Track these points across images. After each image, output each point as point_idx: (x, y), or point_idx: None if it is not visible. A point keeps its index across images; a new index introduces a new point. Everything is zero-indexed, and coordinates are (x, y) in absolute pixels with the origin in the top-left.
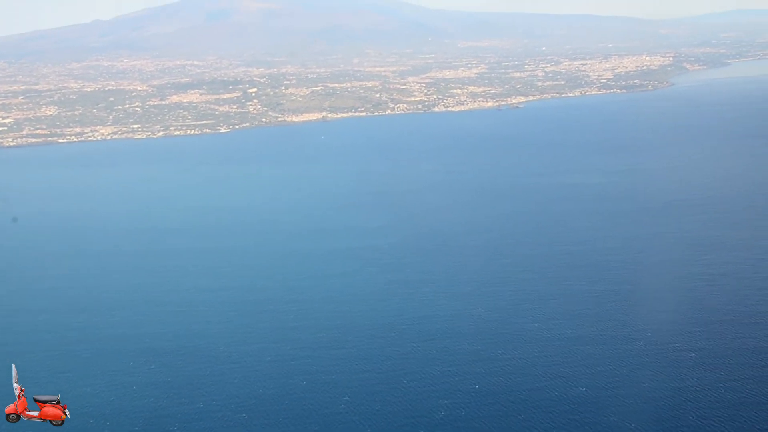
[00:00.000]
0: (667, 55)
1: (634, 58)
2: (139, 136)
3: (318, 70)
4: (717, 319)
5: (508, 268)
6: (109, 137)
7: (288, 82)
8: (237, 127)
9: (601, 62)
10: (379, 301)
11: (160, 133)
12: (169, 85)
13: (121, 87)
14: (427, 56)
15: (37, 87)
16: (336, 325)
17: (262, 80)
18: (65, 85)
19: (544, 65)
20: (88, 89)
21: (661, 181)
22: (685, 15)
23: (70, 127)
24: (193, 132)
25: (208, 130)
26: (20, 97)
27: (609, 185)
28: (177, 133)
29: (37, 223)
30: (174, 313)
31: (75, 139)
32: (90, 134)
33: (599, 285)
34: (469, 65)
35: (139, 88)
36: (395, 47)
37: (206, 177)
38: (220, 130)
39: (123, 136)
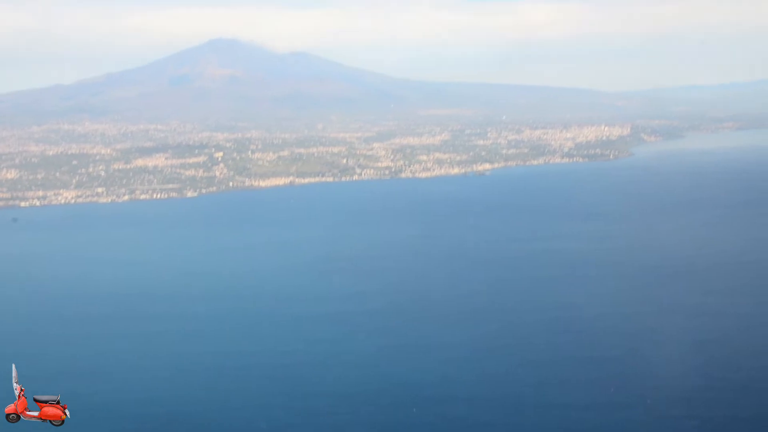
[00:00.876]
0: (625, 126)
1: (593, 128)
2: (104, 200)
3: (283, 136)
4: (713, 385)
5: (495, 334)
6: (72, 201)
7: (254, 146)
8: (204, 191)
9: (561, 132)
10: (370, 366)
11: (126, 197)
12: (133, 149)
13: (84, 150)
14: (391, 123)
15: None
16: (329, 392)
17: (228, 144)
18: (26, 148)
19: (506, 134)
20: (51, 153)
21: (636, 247)
22: (638, 89)
23: (32, 191)
24: (159, 196)
25: (174, 194)
26: None
27: (586, 252)
28: (143, 197)
29: (8, 288)
30: (159, 380)
31: (38, 203)
32: (53, 198)
33: (589, 351)
34: (433, 132)
35: (103, 152)
36: (359, 114)
37: (178, 241)
38: (186, 194)
39: (87, 199)
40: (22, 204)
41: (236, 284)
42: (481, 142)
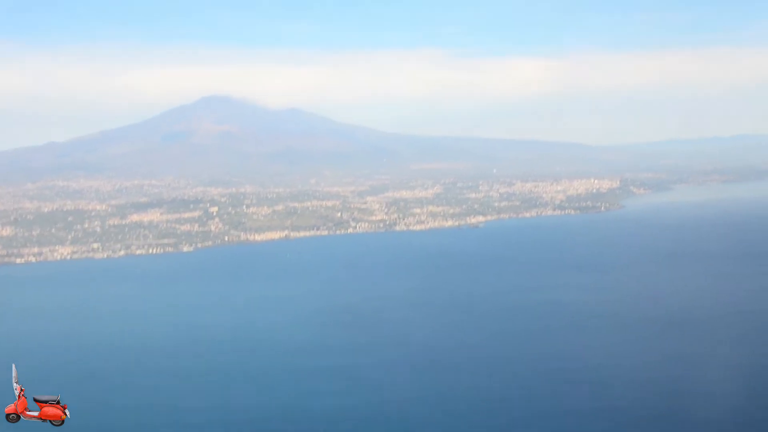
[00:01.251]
0: (614, 179)
1: (583, 181)
2: (100, 256)
3: (277, 190)
4: None
5: (501, 386)
6: (68, 257)
7: (249, 201)
8: (200, 245)
9: (552, 185)
10: (378, 422)
11: (122, 252)
12: (128, 205)
13: (80, 207)
14: (383, 177)
15: None
16: None
17: (222, 199)
18: (21, 205)
19: (498, 186)
20: (46, 209)
21: (632, 299)
22: (625, 143)
23: (28, 247)
24: (155, 251)
25: (170, 249)
26: None
27: (584, 303)
28: (139, 252)
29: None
30: None
31: (34, 259)
32: (49, 254)
33: (596, 402)
34: (425, 186)
35: (98, 208)
36: (352, 169)
37: (178, 295)
38: (182, 248)
39: (83, 255)
40: (18, 261)
41: (238, 337)
42: (473, 195)
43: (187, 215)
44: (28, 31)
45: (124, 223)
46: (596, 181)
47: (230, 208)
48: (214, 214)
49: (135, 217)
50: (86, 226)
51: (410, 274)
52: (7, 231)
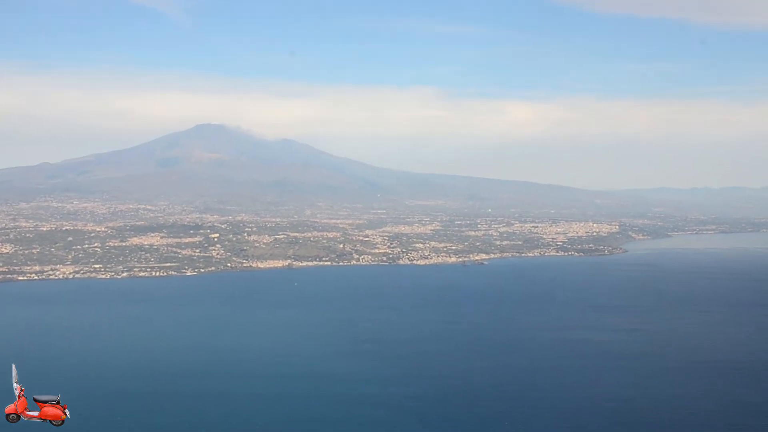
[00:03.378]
0: (613, 223)
1: (582, 224)
2: (103, 276)
3: (273, 219)
4: None
5: (543, 422)
6: (71, 276)
7: (249, 229)
8: (202, 270)
9: (551, 226)
10: None
11: (125, 274)
12: (127, 227)
13: (77, 227)
14: (379, 211)
15: None
16: None
17: (223, 226)
18: (17, 224)
19: (496, 226)
20: (44, 228)
21: (660, 340)
22: (615, 188)
23: (29, 265)
24: (158, 274)
25: (173, 273)
26: None
27: (616, 343)
28: (142, 274)
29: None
30: None
31: (36, 278)
32: (51, 272)
33: None
34: (423, 222)
35: (96, 229)
36: (346, 201)
37: (193, 318)
38: (186, 272)
39: (85, 275)
40: (20, 278)
41: (263, 363)
42: (472, 233)
43: (187, 240)
44: (22, 52)
45: (124, 245)
46: (595, 225)
47: (231, 235)
48: (215, 240)
49: (135, 240)
50: (86, 246)
51: (427, 306)
52: (6, 248)
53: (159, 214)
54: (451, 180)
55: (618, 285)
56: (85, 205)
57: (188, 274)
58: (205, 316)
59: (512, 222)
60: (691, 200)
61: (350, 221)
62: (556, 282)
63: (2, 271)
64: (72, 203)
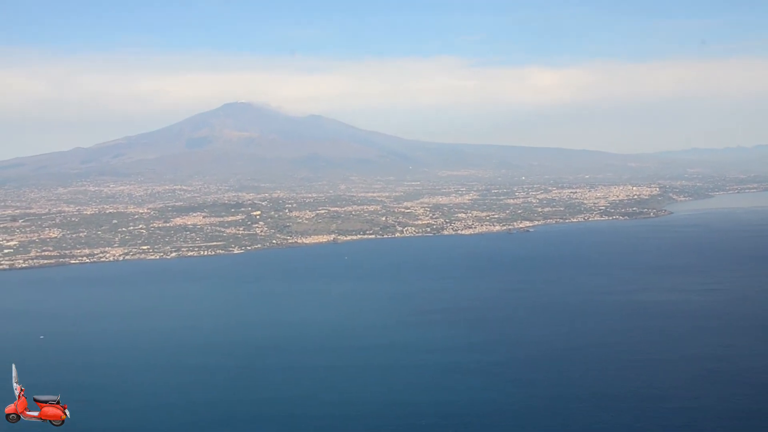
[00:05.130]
0: (653, 186)
1: (621, 188)
2: (152, 257)
3: (310, 195)
4: None
5: (656, 384)
6: (121, 258)
7: (289, 205)
8: (249, 248)
9: (590, 191)
10: (528, 417)
11: (173, 254)
12: (169, 208)
13: (119, 210)
14: (413, 183)
15: (31, 211)
16: None
17: (263, 203)
18: (60, 208)
19: (534, 193)
20: (89, 212)
21: (744, 300)
22: (647, 152)
23: (78, 249)
24: (206, 253)
25: (221, 251)
26: (20, 221)
27: (695, 303)
28: (190, 254)
29: (114, 341)
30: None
31: (87, 260)
32: (101, 255)
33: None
34: (460, 192)
35: (140, 211)
36: (378, 175)
37: (257, 294)
38: (233, 251)
39: (135, 257)
40: (72, 261)
41: (337, 335)
42: (511, 201)
43: (229, 219)
44: (51, 38)
45: (168, 225)
46: (635, 188)
47: (272, 212)
48: (258, 218)
49: (178, 221)
50: (131, 228)
51: (487, 275)
52: (54, 233)
53: (195, 194)
54: (481, 149)
55: (674, 246)
56: (122, 187)
57: (236, 252)
58: (269, 293)
59: (549, 188)
60: (725, 160)
61: (386, 194)
62: (609, 245)
63: (54, 255)
64: (108, 186)
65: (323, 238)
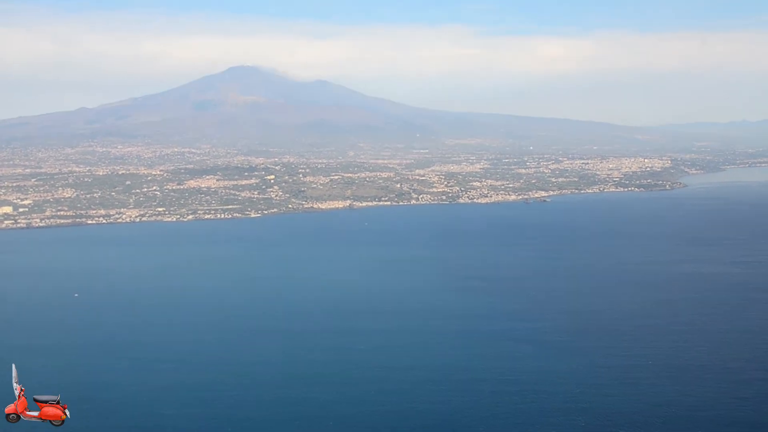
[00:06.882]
0: (665, 158)
1: (632, 160)
2: (169, 219)
3: (320, 161)
4: None
5: (700, 353)
6: (137, 219)
7: (303, 170)
8: (265, 212)
9: (602, 162)
10: (590, 385)
11: (190, 217)
12: (182, 170)
13: (131, 171)
14: (422, 151)
15: (42, 170)
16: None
17: (276, 168)
18: (70, 168)
19: (545, 163)
20: (100, 173)
21: None
22: (653, 124)
23: (94, 209)
24: (222, 216)
25: (238, 215)
26: (32, 180)
27: (738, 275)
28: (207, 216)
29: (143, 301)
30: (384, 392)
31: (104, 221)
32: (117, 216)
33: None
34: (470, 161)
35: (153, 173)
36: (387, 142)
37: (290, 257)
38: (249, 214)
39: (151, 218)
40: (89, 222)
41: (383, 299)
42: (523, 171)
43: (243, 182)
44: None
45: (182, 188)
46: (647, 161)
47: (287, 177)
48: (272, 182)
49: (192, 183)
50: (145, 190)
51: (516, 244)
52: (68, 192)
53: (205, 157)
54: (488, 118)
55: (699, 218)
56: (130, 149)
57: (252, 216)
58: (301, 257)
59: (560, 159)
60: (731, 134)
61: (397, 161)
62: (633, 216)
63: (70, 215)
64: (116, 147)
65: (339, 204)
